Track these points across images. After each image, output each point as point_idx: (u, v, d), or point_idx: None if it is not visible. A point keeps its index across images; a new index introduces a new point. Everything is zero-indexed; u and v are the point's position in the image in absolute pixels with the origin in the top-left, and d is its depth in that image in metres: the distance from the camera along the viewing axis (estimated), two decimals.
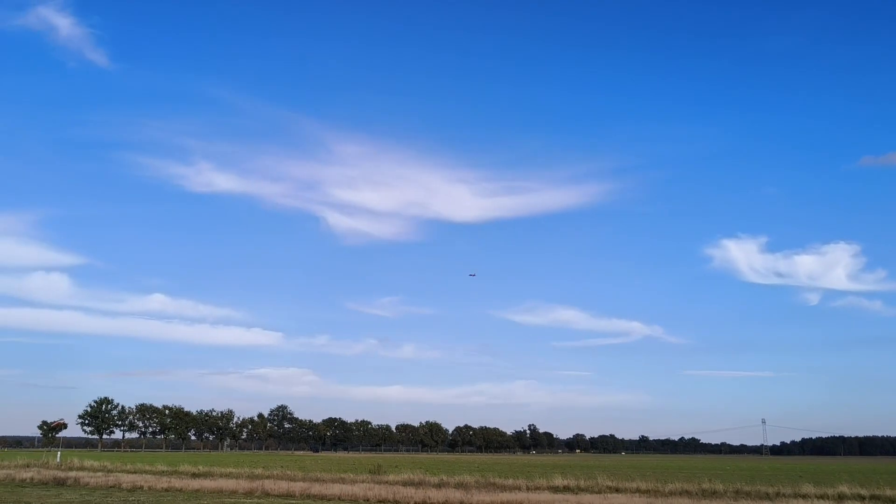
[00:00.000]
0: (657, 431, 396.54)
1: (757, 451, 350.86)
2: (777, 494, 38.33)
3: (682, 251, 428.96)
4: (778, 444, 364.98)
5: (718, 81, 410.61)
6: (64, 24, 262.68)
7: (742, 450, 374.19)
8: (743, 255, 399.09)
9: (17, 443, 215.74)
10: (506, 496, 35.04)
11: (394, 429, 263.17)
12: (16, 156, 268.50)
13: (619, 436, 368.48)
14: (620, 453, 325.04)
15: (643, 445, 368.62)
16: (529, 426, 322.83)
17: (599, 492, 40.39)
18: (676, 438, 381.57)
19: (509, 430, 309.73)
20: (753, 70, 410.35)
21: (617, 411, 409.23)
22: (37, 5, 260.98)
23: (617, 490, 41.14)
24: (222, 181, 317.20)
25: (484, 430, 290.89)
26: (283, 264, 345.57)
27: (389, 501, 32.99)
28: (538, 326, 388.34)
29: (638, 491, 40.46)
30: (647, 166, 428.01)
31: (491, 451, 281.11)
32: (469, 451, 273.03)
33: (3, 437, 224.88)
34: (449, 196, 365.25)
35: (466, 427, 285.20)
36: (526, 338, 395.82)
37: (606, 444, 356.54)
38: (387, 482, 42.64)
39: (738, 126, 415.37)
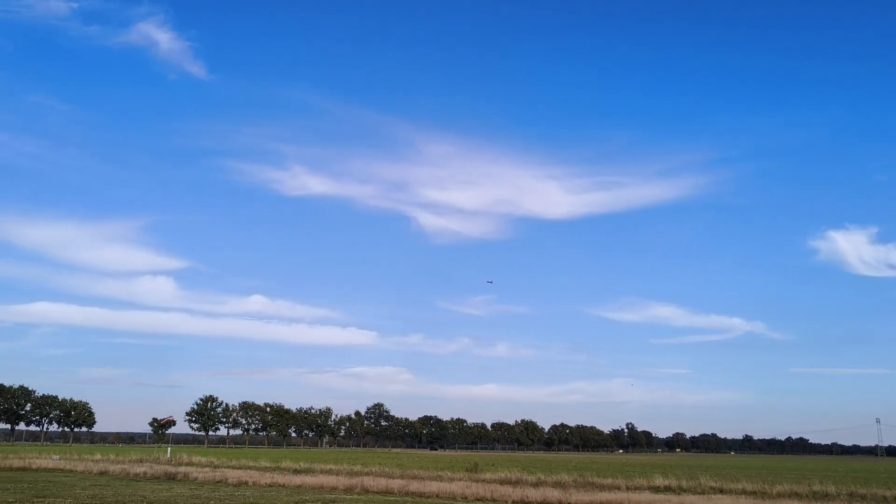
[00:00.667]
0: (762, 431, 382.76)
1: (871, 451, 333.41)
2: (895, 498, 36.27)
3: (785, 244, 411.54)
4: (895, 444, 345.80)
5: (818, 67, 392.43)
6: (164, 39, 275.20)
7: (855, 450, 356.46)
8: (852, 246, 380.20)
9: (129, 438, 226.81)
10: (605, 496, 34.43)
11: (489, 427, 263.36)
12: (123, 165, 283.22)
13: (721, 435, 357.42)
14: (729, 453, 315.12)
15: (747, 445, 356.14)
16: (627, 425, 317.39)
17: (702, 492, 39.19)
18: (783, 438, 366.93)
19: (606, 429, 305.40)
20: (856, 54, 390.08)
21: (718, 410, 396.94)
22: (138, 22, 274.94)
23: (721, 491, 39.82)
24: (315, 184, 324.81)
25: (580, 428, 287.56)
26: (376, 264, 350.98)
27: (487, 500, 32.92)
28: (634, 323, 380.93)
29: (743, 492, 39.04)
30: (743, 157, 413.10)
31: (588, 450, 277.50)
32: (566, 450, 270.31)
33: (117, 433, 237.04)
34: (539, 193, 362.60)
35: (563, 425, 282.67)
36: (621, 335, 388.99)
37: (708, 444, 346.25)
38: (484, 480, 42.60)
39: (842, 113, 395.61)
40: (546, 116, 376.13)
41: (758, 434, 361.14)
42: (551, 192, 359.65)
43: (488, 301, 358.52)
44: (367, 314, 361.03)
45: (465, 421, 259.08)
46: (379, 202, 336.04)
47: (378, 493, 35.49)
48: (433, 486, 37.01)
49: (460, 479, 43.06)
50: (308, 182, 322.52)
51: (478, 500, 32.92)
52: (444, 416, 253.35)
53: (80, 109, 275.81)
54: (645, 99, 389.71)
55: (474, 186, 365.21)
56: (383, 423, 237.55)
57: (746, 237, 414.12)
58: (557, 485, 40.71)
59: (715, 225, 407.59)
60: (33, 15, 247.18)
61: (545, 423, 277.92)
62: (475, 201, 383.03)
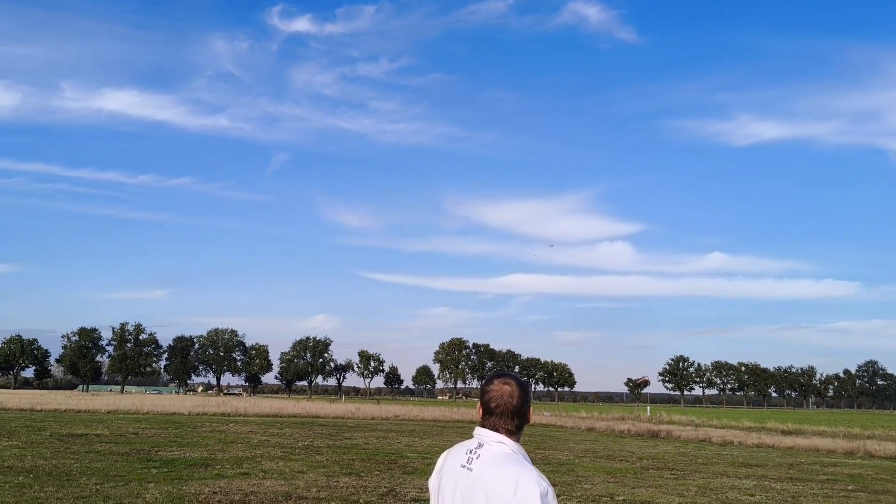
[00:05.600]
0: None
1: None
2: None
3: None
4: None
5: None
6: (592, 13, 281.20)
7: None
8: None
9: (608, 398, 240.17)
10: None
11: None
12: (569, 141, 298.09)
13: None
14: None
15: None
16: None
17: None
18: None
19: None
20: None
21: None
22: (568, 3, 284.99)
23: None
24: (765, 129, 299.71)
25: None
26: (848, 207, 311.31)
27: None
28: None
29: None
30: None
31: None
32: None
33: (596, 392, 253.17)
34: None
35: None
36: None
37: None
38: None
39: None
40: None
41: None
42: None
43: None
44: (843, 263, 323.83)
45: None
46: (842, 138, 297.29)
47: (887, 458, 31.21)
48: None
49: None
50: (757, 129, 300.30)
51: None
52: None
53: (527, 96, 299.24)
54: None
55: None
56: (879, 383, 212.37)
57: None
58: None
59: None
60: (478, 18, 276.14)
61: None
62: None
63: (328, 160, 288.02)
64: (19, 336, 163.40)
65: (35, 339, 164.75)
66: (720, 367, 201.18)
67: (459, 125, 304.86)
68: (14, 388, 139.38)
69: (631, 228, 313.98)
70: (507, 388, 2.81)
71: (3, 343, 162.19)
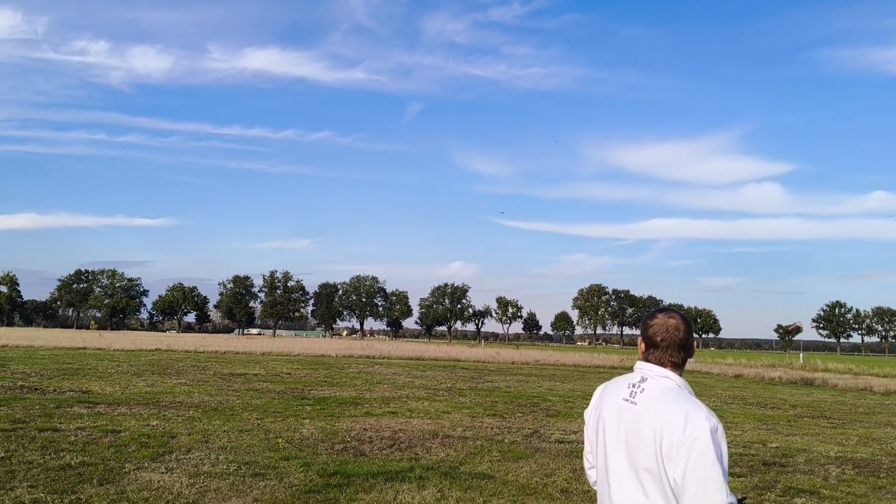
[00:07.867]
0: None
1: None
2: None
3: None
4: None
5: None
6: None
7: None
8: None
9: (756, 345, 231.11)
10: None
11: None
12: (713, 79, 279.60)
13: None
14: None
15: None
16: None
17: None
18: None
19: None
20: None
21: None
22: None
23: None
24: None
25: None
26: None
27: None
28: None
29: None
30: None
31: None
32: None
33: (743, 339, 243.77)
34: None
35: None
36: None
37: None
38: None
39: None
40: None
41: None
42: None
43: None
44: None
45: None
46: None
47: None
48: None
49: None
50: None
51: None
52: None
53: (667, 32, 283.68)
54: None
55: None
56: None
57: None
58: None
59: None
60: None
61: None
62: None
63: (462, 108, 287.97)
64: (181, 284, 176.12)
65: (195, 287, 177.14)
66: (882, 314, 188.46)
67: (595, 67, 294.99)
68: (178, 332, 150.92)
69: (781, 168, 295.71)
70: (673, 321, 2.75)
71: (167, 291, 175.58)
